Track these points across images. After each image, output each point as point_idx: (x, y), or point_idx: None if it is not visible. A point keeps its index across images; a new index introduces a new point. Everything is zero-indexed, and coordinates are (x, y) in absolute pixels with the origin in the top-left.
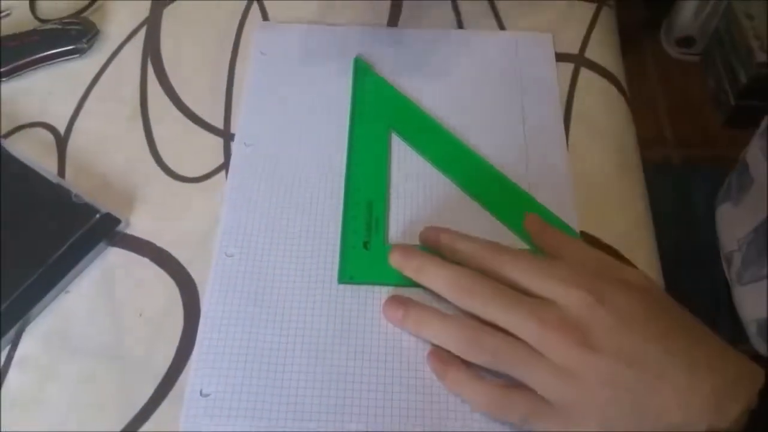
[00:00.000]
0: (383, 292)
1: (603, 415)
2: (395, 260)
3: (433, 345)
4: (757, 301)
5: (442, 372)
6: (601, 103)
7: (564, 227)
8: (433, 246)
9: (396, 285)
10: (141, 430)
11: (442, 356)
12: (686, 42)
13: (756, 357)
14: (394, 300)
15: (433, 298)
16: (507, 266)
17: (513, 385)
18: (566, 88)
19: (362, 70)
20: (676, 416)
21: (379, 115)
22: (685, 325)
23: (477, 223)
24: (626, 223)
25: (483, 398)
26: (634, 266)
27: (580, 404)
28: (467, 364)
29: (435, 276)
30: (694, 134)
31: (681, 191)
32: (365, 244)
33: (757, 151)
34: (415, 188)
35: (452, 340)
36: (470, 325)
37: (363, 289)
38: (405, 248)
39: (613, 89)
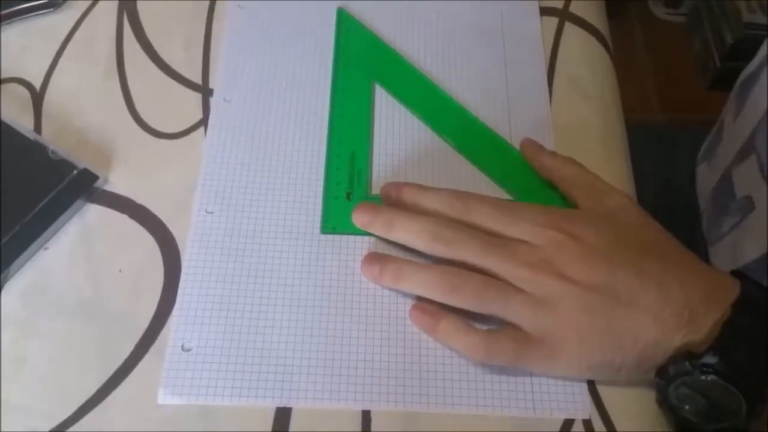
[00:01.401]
0: (365, 243)
1: (583, 342)
2: (361, 220)
3: (415, 300)
4: (721, 261)
5: (432, 325)
6: (585, 59)
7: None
8: (394, 202)
9: (374, 235)
10: (123, 383)
11: (427, 309)
12: (673, 2)
13: (733, 272)
14: (371, 256)
15: (409, 253)
16: (475, 213)
17: (499, 330)
18: (550, 43)
19: (346, 21)
20: (651, 334)
21: (363, 66)
22: (658, 246)
23: (459, 173)
24: (606, 177)
25: (474, 345)
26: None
27: (560, 332)
28: (455, 315)
29: (406, 229)
30: (680, 97)
31: (664, 153)
32: (348, 195)
33: (732, 108)
34: (398, 139)
35: (434, 287)
36: (450, 270)
37: (345, 240)
38: (369, 205)
39: (598, 45)
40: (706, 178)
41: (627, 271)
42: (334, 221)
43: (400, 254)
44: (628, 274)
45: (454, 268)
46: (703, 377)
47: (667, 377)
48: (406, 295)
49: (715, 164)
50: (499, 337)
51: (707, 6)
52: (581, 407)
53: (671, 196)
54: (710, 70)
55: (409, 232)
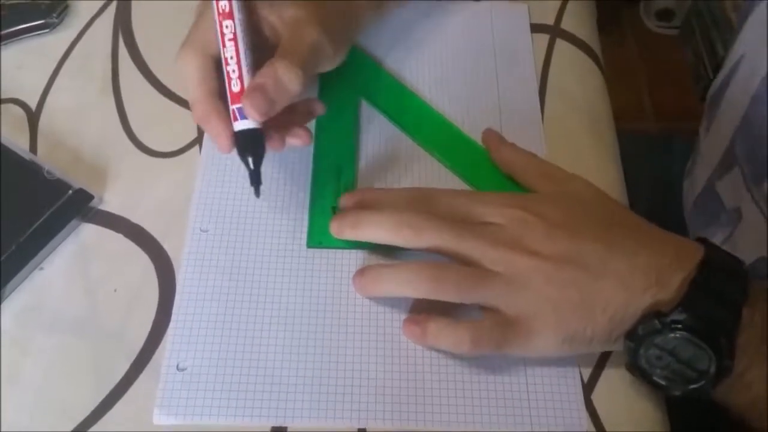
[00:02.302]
0: (352, 257)
1: (557, 314)
2: (334, 228)
3: (406, 316)
4: None
5: (421, 331)
6: (577, 75)
7: None
8: (357, 206)
9: (363, 249)
10: (118, 403)
11: (415, 319)
12: (665, 15)
13: (699, 239)
14: (358, 270)
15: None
16: (441, 203)
17: (481, 319)
18: (542, 60)
19: None
20: (620, 298)
21: (349, 82)
22: (621, 218)
23: (447, 187)
24: (599, 185)
25: (461, 339)
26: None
27: (535, 307)
28: (440, 314)
29: (373, 224)
30: (673, 108)
31: (657, 162)
32: (333, 210)
33: (704, 122)
34: (384, 154)
35: (414, 282)
36: (426, 263)
37: (336, 255)
38: (337, 215)
39: (589, 61)
40: (688, 192)
41: (593, 241)
42: (320, 235)
43: None
44: (594, 244)
45: (431, 260)
46: (672, 335)
47: (637, 338)
48: (400, 311)
49: (695, 178)
50: (483, 326)
51: (699, 18)
52: (577, 422)
53: (664, 205)
54: (703, 81)
55: (376, 225)
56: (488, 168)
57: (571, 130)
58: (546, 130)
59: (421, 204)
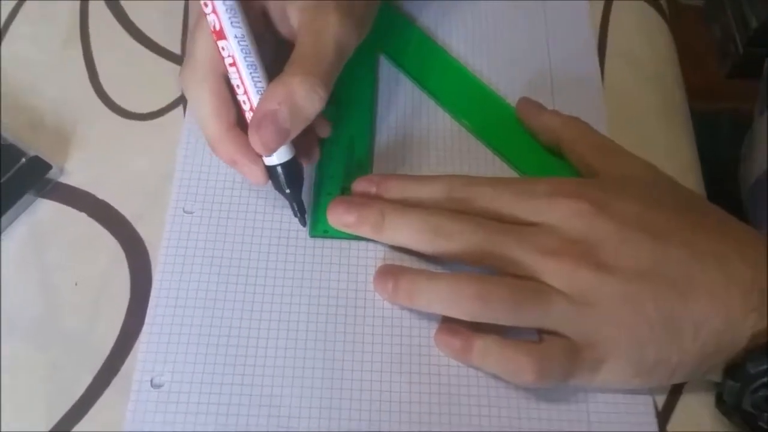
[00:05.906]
0: (369, 249)
1: (635, 342)
2: (343, 219)
3: (441, 320)
4: None
5: (464, 348)
6: (642, 33)
7: None
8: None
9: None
10: (78, 425)
11: (456, 330)
12: None
13: None
14: (383, 270)
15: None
16: (482, 197)
17: (545, 344)
18: (599, 16)
19: None
20: (717, 321)
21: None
22: (705, 216)
23: (480, 165)
24: (672, 170)
25: (522, 369)
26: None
27: (606, 333)
28: (489, 331)
29: (400, 227)
30: (700, 84)
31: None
32: (344, 191)
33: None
34: (406, 124)
35: (456, 301)
36: (471, 277)
37: (345, 245)
38: (350, 201)
39: (654, 13)
40: (746, 178)
41: (677, 246)
42: (327, 223)
43: (422, 265)
44: (678, 251)
45: (475, 274)
46: None
47: (745, 378)
48: (428, 314)
49: (752, 162)
50: (548, 352)
51: None
52: None
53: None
54: (730, 57)
55: (405, 228)
56: (531, 144)
57: (637, 101)
58: (607, 97)
59: (458, 202)
